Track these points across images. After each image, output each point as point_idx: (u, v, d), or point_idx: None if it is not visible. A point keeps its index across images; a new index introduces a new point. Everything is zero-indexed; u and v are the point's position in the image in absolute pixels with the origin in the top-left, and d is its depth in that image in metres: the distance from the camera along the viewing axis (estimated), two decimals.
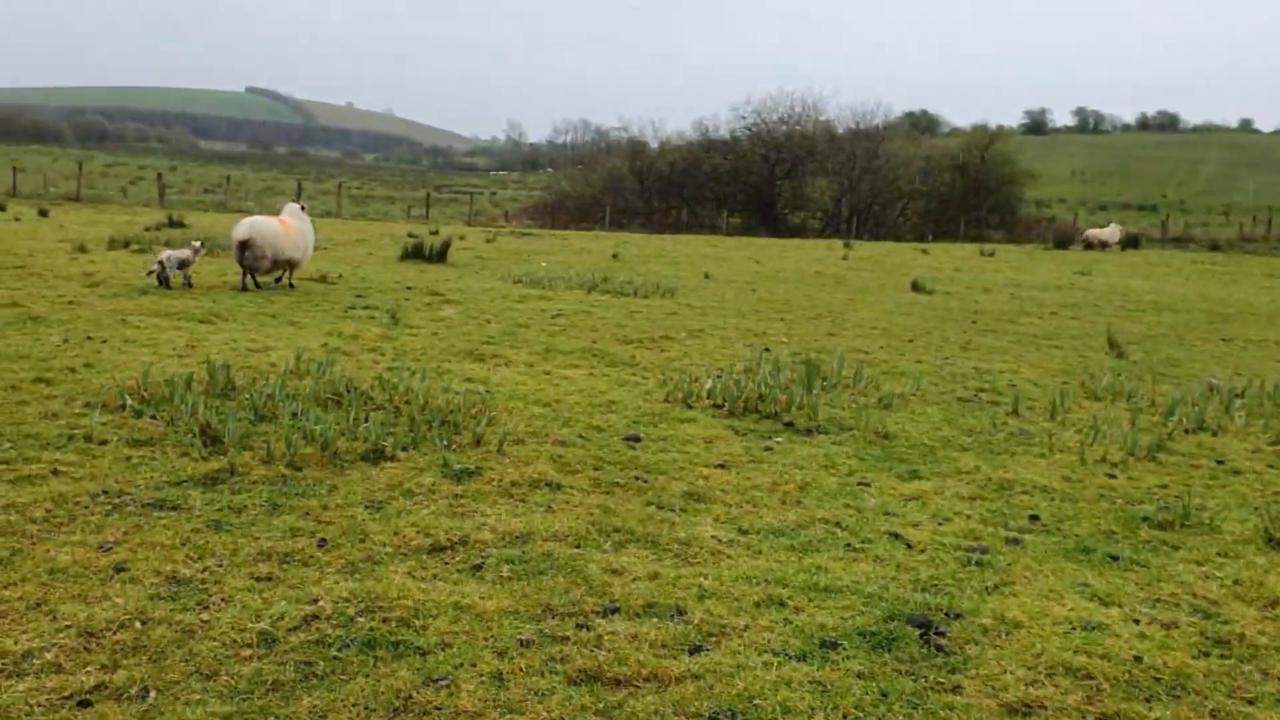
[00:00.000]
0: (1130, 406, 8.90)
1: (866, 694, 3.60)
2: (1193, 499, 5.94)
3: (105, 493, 5.13)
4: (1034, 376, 10.35)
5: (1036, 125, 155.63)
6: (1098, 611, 4.42)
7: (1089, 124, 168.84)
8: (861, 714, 3.48)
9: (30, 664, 3.47)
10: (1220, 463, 7.08)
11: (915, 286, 19.63)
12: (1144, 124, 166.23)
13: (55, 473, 5.37)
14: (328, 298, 13.40)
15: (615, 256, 25.41)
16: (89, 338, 9.25)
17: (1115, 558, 5.12)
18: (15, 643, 3.59)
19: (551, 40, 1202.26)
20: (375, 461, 5.99)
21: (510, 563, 4.58)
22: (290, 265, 14.35)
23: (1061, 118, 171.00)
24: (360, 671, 3.57)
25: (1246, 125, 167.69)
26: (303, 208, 15.32)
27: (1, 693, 3.28)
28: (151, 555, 4.39)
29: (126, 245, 18.22)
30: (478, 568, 4.52)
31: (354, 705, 3.35)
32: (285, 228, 14.05)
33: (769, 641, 3.96)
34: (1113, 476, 6.62)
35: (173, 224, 25.44)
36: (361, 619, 3.95)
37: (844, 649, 3.93)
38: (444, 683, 3.51)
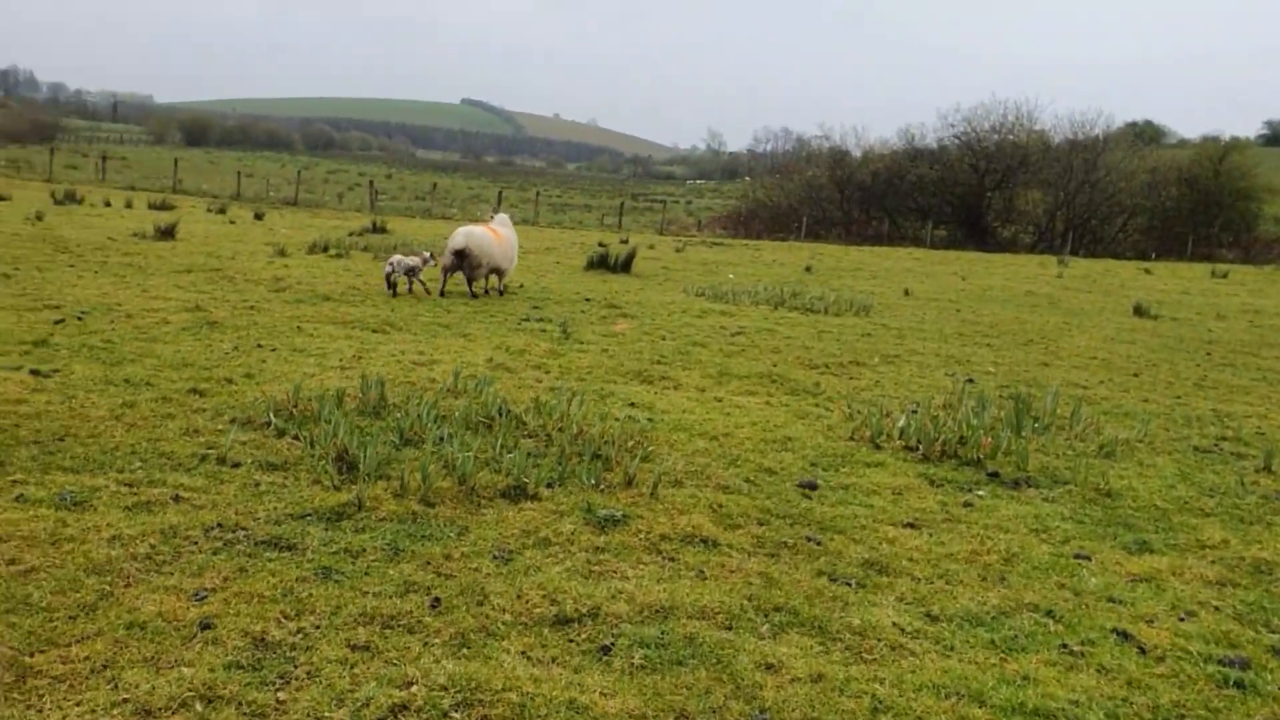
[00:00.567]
0: None
1: None
2: None
3: (220, 525, 4.72)
4: None
5: (1277, 135, 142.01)
6: None
7: None
8: None
9: None
10: None
11: (1138, 310, 17.83)
12: None
13: (176, 499, 5.01)
14: (504, 308, 13.11)
15: (808, 269, 24.40)
16: (259, 345, 9.15)
17: None
18: (64, 718, 3.12)
19: (756, 49, 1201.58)
20: (515, 500, 5.39)
21: (645, 646, 3.83)
22: (499, 273, 14.59)
23: None
24: None
25: None
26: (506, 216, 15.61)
27: None
28: (245, 609, 3.88)
29: (325, 250, 18.66)
30: (605, 650, 3.79)
31: None
32: (497, 237, 14.33)
33: None
34: None
35: (375, 229, 26.27)
36: (457, 714, 3.29)
37: None
38: None
